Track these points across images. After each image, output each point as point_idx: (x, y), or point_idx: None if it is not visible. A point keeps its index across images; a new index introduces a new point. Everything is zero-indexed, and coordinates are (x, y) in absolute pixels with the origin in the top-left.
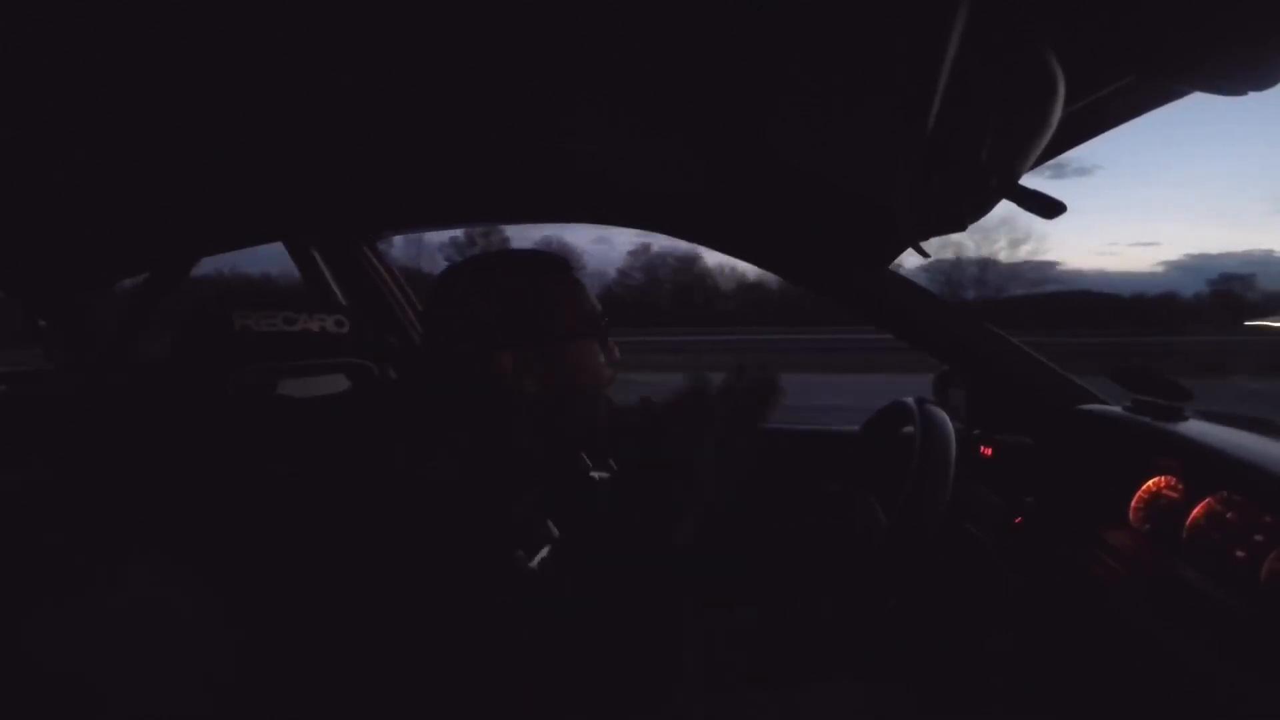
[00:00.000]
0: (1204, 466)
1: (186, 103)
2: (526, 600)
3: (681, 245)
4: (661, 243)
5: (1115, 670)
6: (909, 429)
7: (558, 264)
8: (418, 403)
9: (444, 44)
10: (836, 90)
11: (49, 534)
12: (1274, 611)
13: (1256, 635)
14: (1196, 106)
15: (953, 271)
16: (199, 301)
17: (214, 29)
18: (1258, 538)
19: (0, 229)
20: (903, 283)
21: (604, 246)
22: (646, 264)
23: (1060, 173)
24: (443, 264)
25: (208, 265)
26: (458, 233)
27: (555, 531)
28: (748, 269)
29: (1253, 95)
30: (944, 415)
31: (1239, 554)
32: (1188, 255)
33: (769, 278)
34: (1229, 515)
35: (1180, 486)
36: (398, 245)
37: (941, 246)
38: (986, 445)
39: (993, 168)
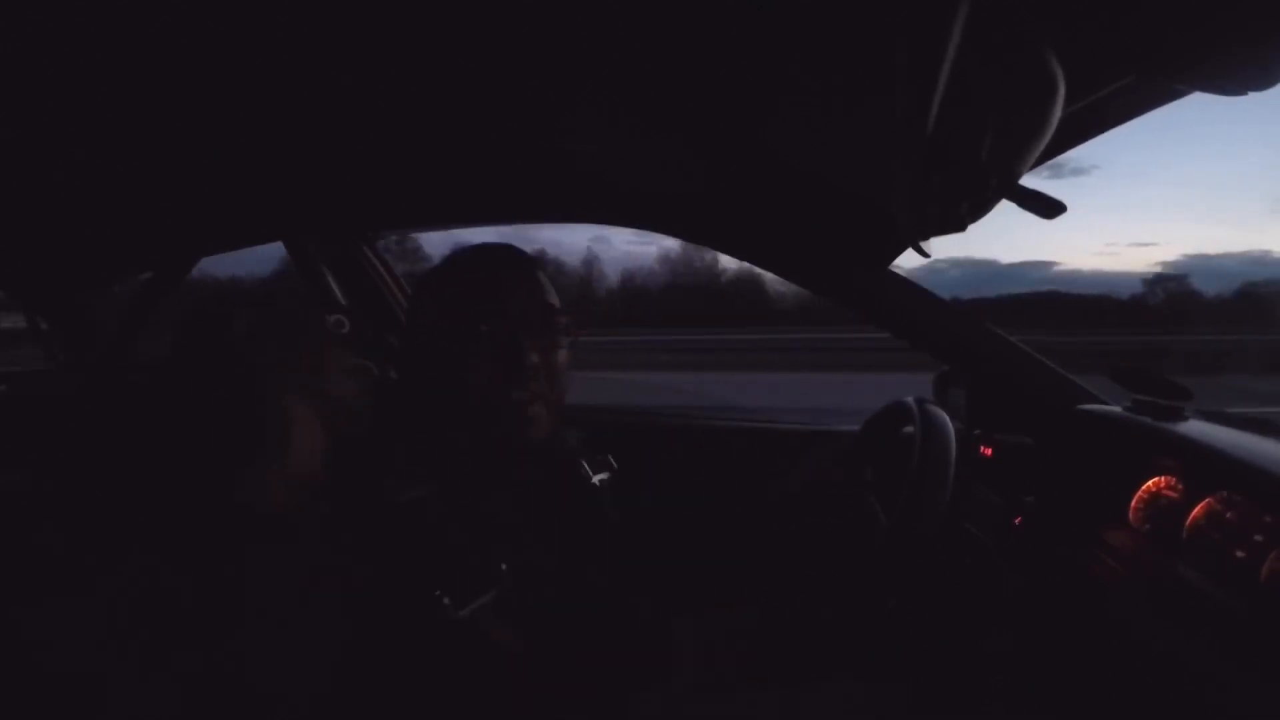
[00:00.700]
0: (1204, 466)
1: (187, 102)
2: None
3: (681, 245)
4: (662, 243)
5: (1115, 670)
6: (909, 429)
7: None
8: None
9: (444, 44)
10: (836, 90)
11: (49, 534)
12: (1274, 611)
13: (1256, 635)
14: (1196, 106)
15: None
16: (199, 301)
17: (214, 29)
18: (1258, 538)
19: (0, 229)
20: (903, 283)
21: (604, 246)
22: (646, 264)
23: (1058, 173)
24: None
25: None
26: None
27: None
28: (748, 269)
29: (1253, 95)
30: (944, 415)
31: (1239, 554)
32: (1186, 255)
33: (769, 278)
34: (1229, 515)
35: (1180, 486)
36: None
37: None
38: (986, 445)
39: (993, 168)
